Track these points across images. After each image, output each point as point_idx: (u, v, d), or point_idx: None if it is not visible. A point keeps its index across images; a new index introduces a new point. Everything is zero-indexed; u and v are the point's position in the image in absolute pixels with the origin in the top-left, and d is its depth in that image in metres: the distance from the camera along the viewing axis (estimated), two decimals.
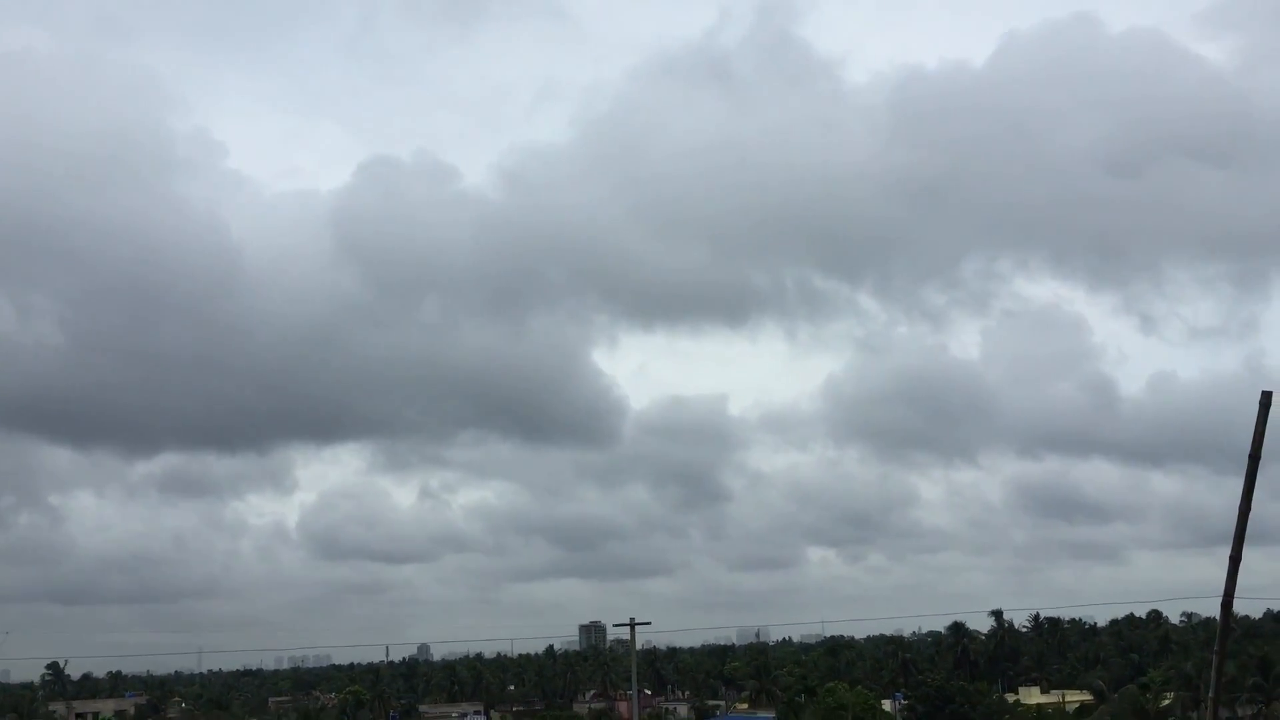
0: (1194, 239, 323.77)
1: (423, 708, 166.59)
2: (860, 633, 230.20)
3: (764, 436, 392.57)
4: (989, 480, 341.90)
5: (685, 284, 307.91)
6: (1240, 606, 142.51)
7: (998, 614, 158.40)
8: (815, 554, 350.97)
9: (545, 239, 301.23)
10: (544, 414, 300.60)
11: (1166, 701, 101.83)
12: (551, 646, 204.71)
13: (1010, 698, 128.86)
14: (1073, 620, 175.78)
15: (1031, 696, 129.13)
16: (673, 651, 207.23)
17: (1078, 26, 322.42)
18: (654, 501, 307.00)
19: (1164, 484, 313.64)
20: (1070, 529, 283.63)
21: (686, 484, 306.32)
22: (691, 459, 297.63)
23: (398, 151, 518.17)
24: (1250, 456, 15.20)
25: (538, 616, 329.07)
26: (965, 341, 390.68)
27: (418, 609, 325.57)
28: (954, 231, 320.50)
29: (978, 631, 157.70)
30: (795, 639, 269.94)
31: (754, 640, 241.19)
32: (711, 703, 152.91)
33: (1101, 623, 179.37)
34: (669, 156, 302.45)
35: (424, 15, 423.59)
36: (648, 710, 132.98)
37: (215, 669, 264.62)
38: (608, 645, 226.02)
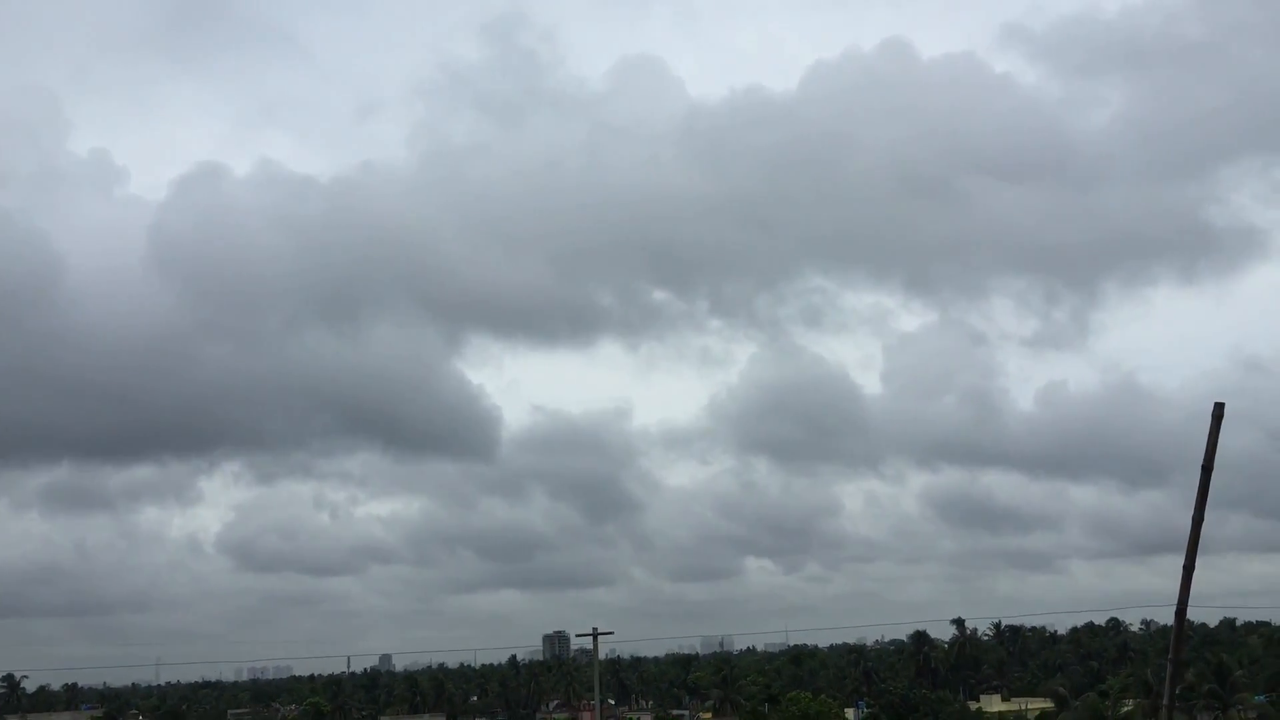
0: (1005, 253, 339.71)
1: (384, 719, 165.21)
2: (823, 642, 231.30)
3: (655, 449, 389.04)
4: (898, 491, 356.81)
5: (533, 298, 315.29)
6: (1196, 614, 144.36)
7: (959, 622, 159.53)
8: (754, 564, 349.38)
9: (381, 251, 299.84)
10: (417, 426, 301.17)
11: (1126, 708, 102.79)
12: (514, 657, 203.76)
13: (972, 705, 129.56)
14: (1033, 628, 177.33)
15: (993, 704, 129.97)
16: (637, 661, 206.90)
17: (888, 53, 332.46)
18: (564, 513, 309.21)
19: (1074, 493, 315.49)
20: (993, 538, 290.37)
21: (589, 496, 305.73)
22: (587, 471, 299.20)
23: (226, 160, 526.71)
24: (1203, 467, 15.33)
25: (483, 627, 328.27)
26: (819, 354, 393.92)
27: (358, 621, 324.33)
28: (781, 248, 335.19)
29: (940, 640, 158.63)
30: (759, 648, 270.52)
31: (718, 650, 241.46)
32: (675, 712, 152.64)
33: (1061, 631, 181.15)
34: (499, 176, 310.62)
35: None
36: (611, 719, 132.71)
37: (173, 681, 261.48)
38: (571, 655, 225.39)
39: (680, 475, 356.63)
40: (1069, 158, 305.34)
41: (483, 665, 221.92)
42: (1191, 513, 15.77)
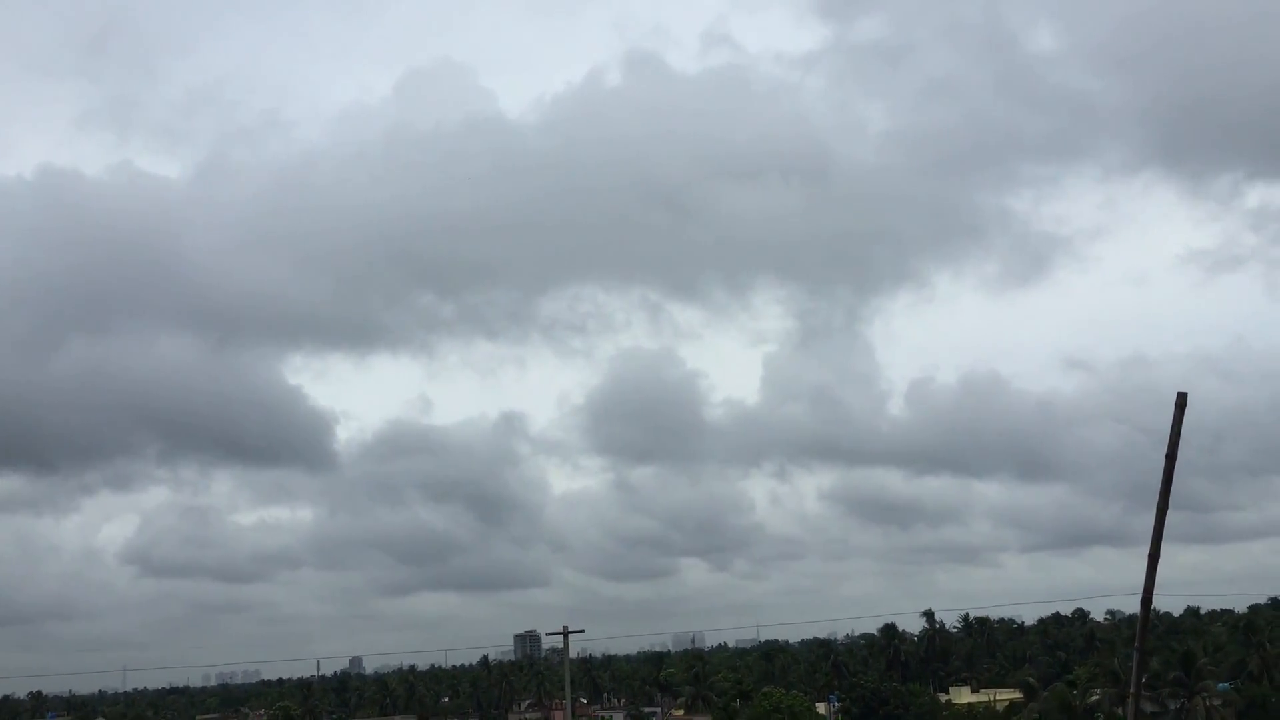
0: (762, 258, 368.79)
1: None
2: (794, 637, 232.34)
3: (521, 453, 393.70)
4: (787, 490, 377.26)
5: (352, 308, 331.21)
6: (1161, 604, 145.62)
7: (929, 615, 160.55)
8: (686, 563, 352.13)
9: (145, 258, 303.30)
10: (256, 436, 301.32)
11: (1094, 697, 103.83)
12: (486, 657, 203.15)
13: (942, 697, 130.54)
14: (1001, 620, 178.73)
15: (962, 696, 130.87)
16: (608, 659, 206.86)
17: (649, 64, 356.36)
18: (459, 518, 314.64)
19: (977, 488, 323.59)
20: (906, 534, 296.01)
21: (473, 501, 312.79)
22: (462, 477, 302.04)
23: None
24: (1167, 456, 15.46)
25: (429, 630, 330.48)
26: (670, 358, 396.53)
27: (295, 627, 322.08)
28: (544, 261, 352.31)
29: (909, 633, 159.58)
30: (731, 644, 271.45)
31: (690, 646, 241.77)
32: (647, 709, 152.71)
33: (1029, 622, 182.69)
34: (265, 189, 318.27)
35: None
36: (583, 718, 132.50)
37: (140, 687, 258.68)
38: (543, 655, 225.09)
39: (560, 478, 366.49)
40: (833, 161, 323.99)
41: (454, 666, 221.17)
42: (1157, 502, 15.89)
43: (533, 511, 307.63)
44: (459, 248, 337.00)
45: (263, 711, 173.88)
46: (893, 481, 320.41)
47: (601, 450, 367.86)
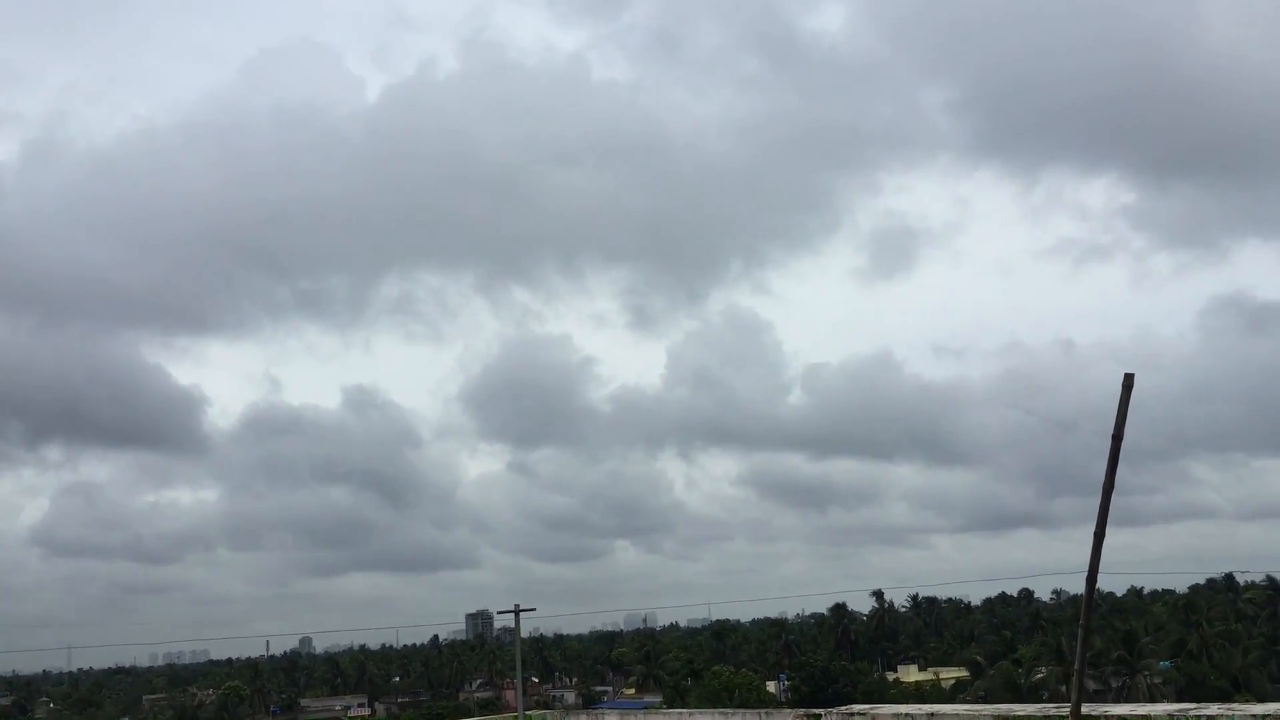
0: (595, 242, 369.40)
1: (305, 702, 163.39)
2: (746, 616, 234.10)
3: (415, 436, 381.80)
4: (708, 474, 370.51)
5: (221, 291, 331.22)
6: (1104, 583, 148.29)
7: (879, 594, 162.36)
8: (616, 545, 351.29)
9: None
10: (126, 418, 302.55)
11: (1040, 675, 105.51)
12: (436, 637, 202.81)
13: (890, 676, 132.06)
14: (949, 600, 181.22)
15: (910, 674, 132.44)
16: (560, 639, 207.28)
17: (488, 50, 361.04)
18: (367, 500, 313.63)
19: (894, 472, 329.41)
20: (826, 517, 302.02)
21: (378, 483, 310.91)
22: (360, 458, 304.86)
23: None
24: (1113, 436, 15.48)
25: (366, 610, 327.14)
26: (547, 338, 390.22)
27: (225, 608, 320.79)
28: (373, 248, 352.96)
29: (858, 612, 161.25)
30: (683, 624, 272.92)
31: (641, 626, 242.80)
32: (599, 688, 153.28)
33: (976, 601, 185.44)
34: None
35: None
36: (534, 698, 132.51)
37: (85, 667, 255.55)
38: (495, 634, 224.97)
39: (458, 461, 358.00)
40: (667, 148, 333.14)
41: (405, 646, 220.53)
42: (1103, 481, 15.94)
43: (441, 494, 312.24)
44: (295, 233, 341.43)
45: (211, 691, 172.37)
46: (797, 465, 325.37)
47: (489, 434, 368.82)
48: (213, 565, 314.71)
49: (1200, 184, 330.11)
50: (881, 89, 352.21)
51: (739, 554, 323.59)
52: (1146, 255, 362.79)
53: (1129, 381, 15.80)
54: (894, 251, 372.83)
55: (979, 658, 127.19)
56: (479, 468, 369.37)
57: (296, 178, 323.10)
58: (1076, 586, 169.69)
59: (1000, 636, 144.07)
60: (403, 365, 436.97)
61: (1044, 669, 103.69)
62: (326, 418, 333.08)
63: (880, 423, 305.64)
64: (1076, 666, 17.04)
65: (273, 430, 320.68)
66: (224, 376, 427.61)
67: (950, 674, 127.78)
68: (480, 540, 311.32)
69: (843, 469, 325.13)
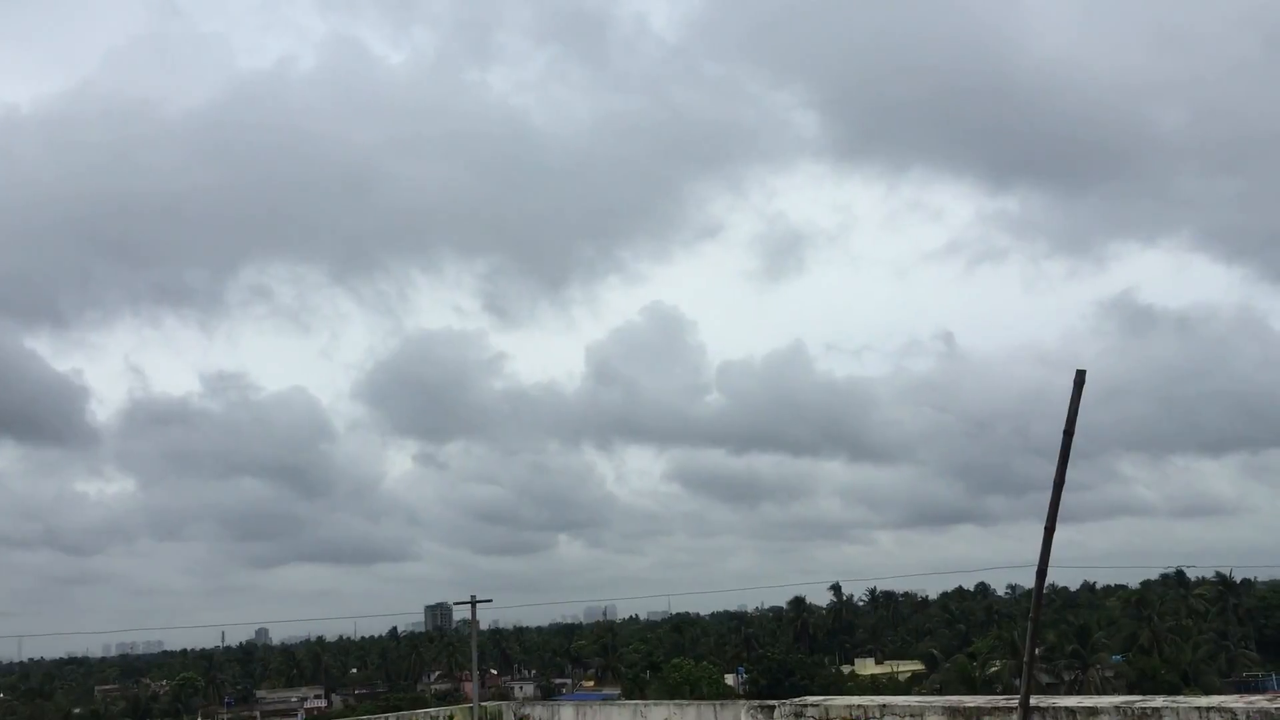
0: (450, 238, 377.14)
1: (260, 693, 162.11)
2: (705, 609, 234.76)
3: (323, 429, 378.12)
4: (633, 469, 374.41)
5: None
6: (1058, 578, 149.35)
7: (836, 588, 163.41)
8: (556, 538, 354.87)
9: None
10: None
11: (994, 668, 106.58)
12: (395, 628, 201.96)
13: (847, 669, 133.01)
14: (905, 594, 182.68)
15: (867, 667, 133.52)
16: (519, 631, 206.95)
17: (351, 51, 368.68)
18: (282, 492, 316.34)
19: (825, 468, 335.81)
20: (755, 512, 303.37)
21: (291, 475, 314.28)
22: (261, 448, 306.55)
23: None
24: (1065, 432, 15.64)
25: (310, 602, 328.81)
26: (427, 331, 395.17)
27: (161, 599, 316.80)
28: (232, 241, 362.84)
29: (817, 605, 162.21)
30: (642, 617, 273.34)
31: (601, 619, 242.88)
32: (558, 681, 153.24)
33: (932, 596, 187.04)
34: None
35: None
36: (492, 689, 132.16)
37: (36, 657, 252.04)
38: (454, 626, 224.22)
39: (371, 454, 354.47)
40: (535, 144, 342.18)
41: (363, 638, 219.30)
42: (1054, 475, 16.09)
43: (358, 486, 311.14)
44: (150, 226, 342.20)
45: (165, 682, 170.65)
46: (718, 460, 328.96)
47: (389, 427, 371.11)
48: (141, 556, 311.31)
49: (1056, 188, 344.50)
50: (737, 91, 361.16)
51: (682, 548, 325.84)
52: (1033, 258, 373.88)
53: (1080, 379, 15.95)
54: (778, 251, 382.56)
55: (934, 651, 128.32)
56: (388, 460, 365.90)
57: (147, 171, 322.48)
58: (1030, 581, 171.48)
59: (955, 630, 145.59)
60: (271, 356, 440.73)
61: (998, 662, 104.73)
62: (210, 408, 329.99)
63: (794, 419, 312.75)
64: (1026, 659, 17.23)
65: (158, 420, 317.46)
66: (95, 369, 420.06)
67: (906, 667, 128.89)
68: (414, 533, 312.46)
69: (764, 464, 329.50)
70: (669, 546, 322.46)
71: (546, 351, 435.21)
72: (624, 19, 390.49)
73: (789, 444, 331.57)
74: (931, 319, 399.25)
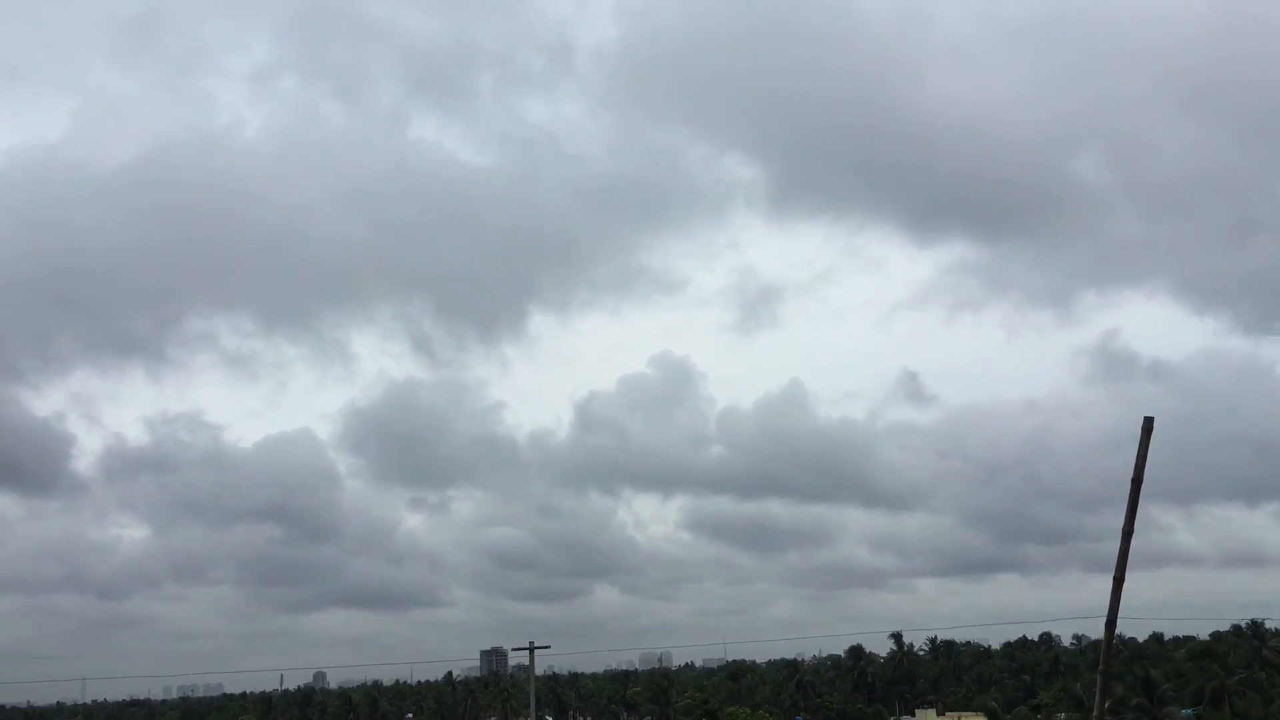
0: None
1: None
2: (762, 657, 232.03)
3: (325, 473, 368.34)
4: (640, 515, 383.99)
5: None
6: (1126, 629, 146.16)
7: (897, 636, 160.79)
8: (592, 585, 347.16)
9: None
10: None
11: None
12: (450, 673, 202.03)
13: None
14: (968, 642, 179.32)
15: (928, 718, 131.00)
16: (575, 677, 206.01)
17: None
18: (294, 537, 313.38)
19: (844, 515, 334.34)
20: (782, 559, 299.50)
21: (296, 519, 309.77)
22: (263, 494, 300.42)
23: None
24: (1133, 480, 15.54)
25: (350, 647, 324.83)
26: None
27: (202, 642, 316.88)
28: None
29: (876, 655, 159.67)
30: (698, 664, 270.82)
31: (656, 665, 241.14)
32: None
33: (995, 645, 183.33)
34: None
35: None
36: None
37: (100, 699, 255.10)
38: (509, 671, 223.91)
39: (373, 500, 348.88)
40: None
41: (419, 682, 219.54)
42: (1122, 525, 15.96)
43: (372, 532, 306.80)
44: (94, 280, 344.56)
45: None
46: (730, 507, 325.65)
47: (383, 474, 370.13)
48: (169, 601, 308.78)
49: (986, 234, 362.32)
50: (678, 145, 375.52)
51: (717, 595, 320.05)
52: (1011, 309, 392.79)
53: (1149, 425, 15.83)
54: (753, 302, 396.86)
55: (995, 703, 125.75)
56: (387, 506, 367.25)
57: (87, 228, 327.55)
58: (1097, 631, 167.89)
59: (1020, 681, 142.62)
60: (229, 402, 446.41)
61: (1063, 715, 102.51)
62: (187, 455, 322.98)
63: (796, 465, 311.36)
64: (1096, 713, 16.98)
65: (150, 467, 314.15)
66: (73, 416, 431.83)
67: (970, 719, 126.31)
68: (439, 579, 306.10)
69: (775, 510, 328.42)
70: (704, 594, 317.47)
71: (523, 398, 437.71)
72: (560, 75, 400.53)
73: (796, 490, 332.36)
74: (899, 365, 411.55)
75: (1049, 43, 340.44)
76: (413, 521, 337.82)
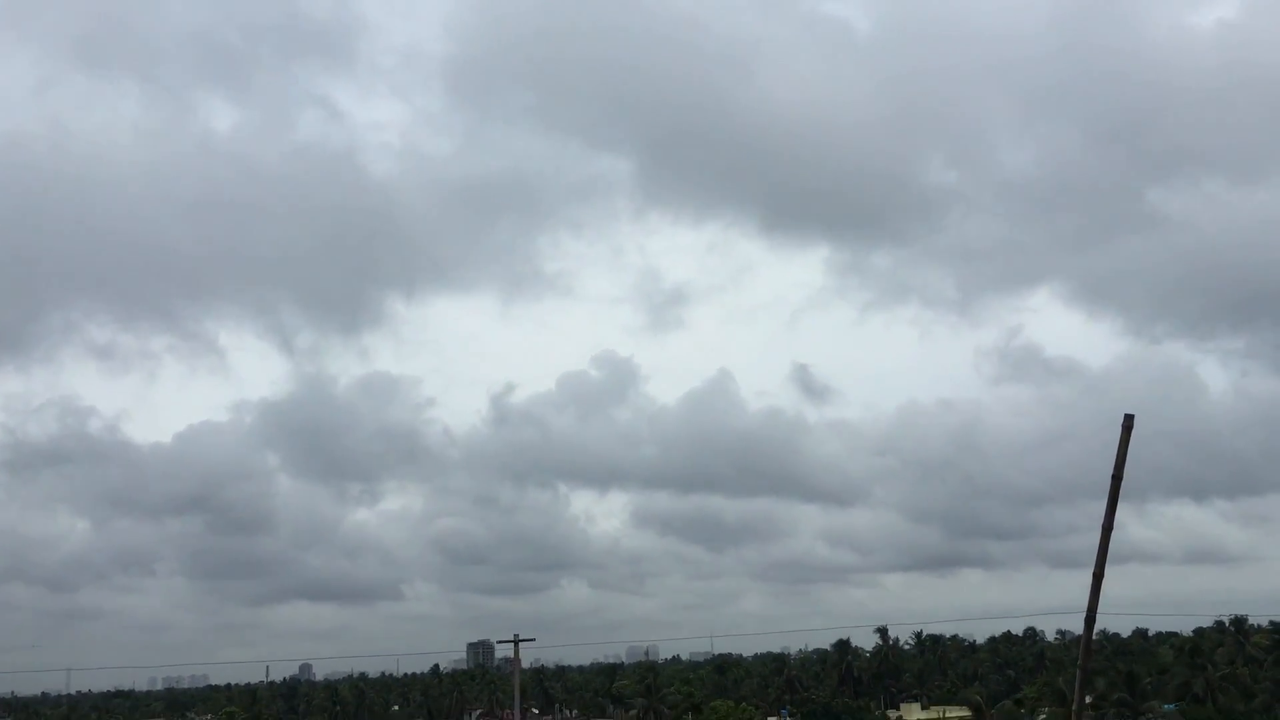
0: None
1: None
2: (749, 650, 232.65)
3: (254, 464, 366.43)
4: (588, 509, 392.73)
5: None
6: (1110, 624, 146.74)
7: (883, 631, 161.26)
8: (560, 579, 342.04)
9: None
10: None
11: (1042, 716, 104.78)
12: (437, 666, 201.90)
13: (892, 714, 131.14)
14: (953, 637, 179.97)
15: (912, 713, 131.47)
16: (561, 670, 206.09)
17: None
18: (231, 530, 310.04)
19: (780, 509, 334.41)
20: (740, 554, 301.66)
21: (220, 512, 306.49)
22: (184, 489, 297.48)
23: None
24: (1113, 477, 15.61)
25: (321, 639, 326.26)
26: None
27: (163, 635, 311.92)
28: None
29: (862, 649, 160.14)
30: (685, 657, 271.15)
31: (643, 658, 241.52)
32: None
33: (980, 640, 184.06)
34: None
35: None
36: None
37: (84, 690, 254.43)
38: (495, 664, 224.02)
39: (308, 494, 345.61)
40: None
41: (405, 674, 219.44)
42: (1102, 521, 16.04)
43: (314, 526, 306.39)
44: None
45: (209, 717, 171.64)
46: (675, 503, 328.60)
47: (314, 470, 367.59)
48: (125, 593, 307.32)
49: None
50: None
51: (685, 590, 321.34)
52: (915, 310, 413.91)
53: (1129, 422, 15.91)
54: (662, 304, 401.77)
55: (980, 697, 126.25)
56: (324, 499, 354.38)
57: None
58: (1081, 626, 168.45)
59: (1004, 676, 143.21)
60: (110, 397, 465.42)
61: (1045, 709, 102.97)
62: (97, 448, 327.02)
63: (729, 462, 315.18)
64: (1075, 707, 17.09)
65: (60, 458, 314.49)
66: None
67: (953, 713, 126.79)
68: (399, 574, 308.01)
69: (719, 507, 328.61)
70: (671, 588, 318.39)
71: (437, 391, 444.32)
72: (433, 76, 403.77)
73: (731, 485, 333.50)
74: (791, 362, 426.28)
75: (887, 51, 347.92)
76: (355, 515, 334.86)
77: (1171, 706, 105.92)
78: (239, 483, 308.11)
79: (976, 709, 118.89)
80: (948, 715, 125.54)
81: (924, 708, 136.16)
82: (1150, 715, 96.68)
